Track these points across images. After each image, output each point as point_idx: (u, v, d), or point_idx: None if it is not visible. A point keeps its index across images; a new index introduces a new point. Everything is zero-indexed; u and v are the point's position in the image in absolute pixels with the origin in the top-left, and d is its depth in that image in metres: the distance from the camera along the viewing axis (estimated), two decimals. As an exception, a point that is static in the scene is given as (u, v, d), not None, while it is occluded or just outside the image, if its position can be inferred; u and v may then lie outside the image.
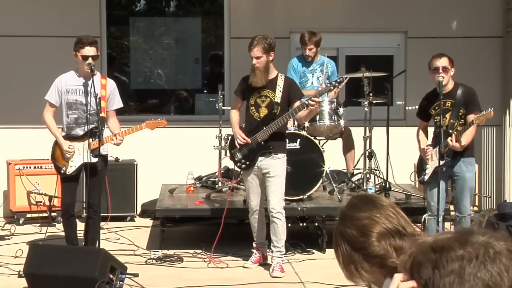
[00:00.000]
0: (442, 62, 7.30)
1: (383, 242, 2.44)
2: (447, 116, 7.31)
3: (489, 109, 7.12)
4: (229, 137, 8.04)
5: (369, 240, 2.44)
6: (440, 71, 7.26)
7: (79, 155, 7.50)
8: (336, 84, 7.67)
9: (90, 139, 7.40)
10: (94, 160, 7.33)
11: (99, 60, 9.89)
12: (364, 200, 2.55)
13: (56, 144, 7.62)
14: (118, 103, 7.67)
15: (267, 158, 7.51)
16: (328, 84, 7.81)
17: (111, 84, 7.67)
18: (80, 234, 7.82)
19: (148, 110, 11.07)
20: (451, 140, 7.19)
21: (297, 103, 7.49)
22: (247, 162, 7.59)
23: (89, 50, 7.39)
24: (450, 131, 7.26)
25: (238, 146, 7.58)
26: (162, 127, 7.81)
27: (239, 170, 8.05)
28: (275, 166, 7.50)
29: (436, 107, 7.37)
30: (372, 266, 2.45)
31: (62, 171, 7.55)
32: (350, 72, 9.55)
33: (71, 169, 7.53)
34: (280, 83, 7.53)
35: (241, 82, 7.74)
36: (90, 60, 7.37)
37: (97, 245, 7.34)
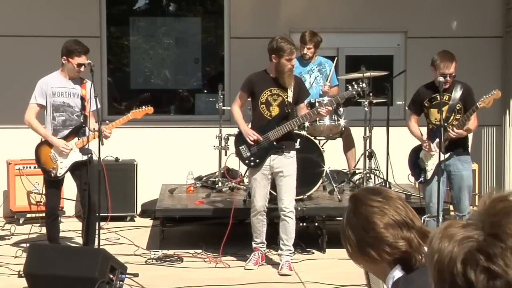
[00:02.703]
0: (452, 69, 7.27)
1: (392, 231, 2.43)
2: (443, 109, 7.32)
3: (494, 91, 7.15)
4: (231, 135, 7.97)
5: (377, 229, 2.43)
6: (448, 78, 7.25)
7: (66, 155, 7.55)
8: (359, 89, 7.69)
9: (76, 138, 7.55)
10: (84, 158, 7.45)
11: (99, 60, 9.96)
12: (372, 192, 2.54)
13: (40, 148, 7.65)
14: (94, 104, 7.45)
15: (280, 157, 7.47)
16: (351, 89, 7.79)
17: (89, 84, 7.64)
18: (76, 235, 7.83)
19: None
20: (453, 130, 7.17)
21: (303, 104, 7.55)
22: (257, 160, 7.51)
23: (84, 59, 7.51)
24: (445, 124, 7.28)
25: (252, 143, 7.47)
26: (148, 115, 7.96)
27: (246, 167, 7.93)
28: (288, 165, 7.48)
29: (432, 100, 7.39)
30: (380, 255, 2.43)
31: (52, 174, 7.57)
32: (350, 72, 9.56)
33: (61, 170, 7.57)
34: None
35: (250, 78, 7.61)
36: (82, 68, 7.53)
37: (96, 243, 7.36)
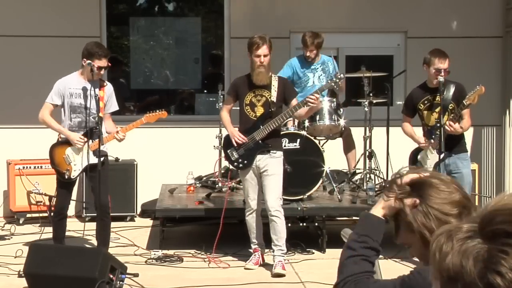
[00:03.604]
0: (446, 64, 7.31)
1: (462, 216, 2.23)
2: (436, 110, 7.35)
3: (477, 87, 7.18)
4: (222, 137, 8.05)
5: (452, 213, 2.24)
6: (443, 73, 7.28)
7: (80, 157, 7.53)
8: (337, 81, 7.66)
9: (90, 141, 7.45)
10: (96, 160, 7.39)
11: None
12: (433, 176, 2.34)
13: (54, 149, 7.64)
14: (114, 106, 7.80)
15: (265, 156, 7.51)
16: (329, 81, 7.80)
17: (109, 87, 7.73)
18: (77, 235, 7.82)
19: (148, 110, 11.04)
20: (450, 125, 7.19)
21: (294, 101, 7.55)
22: (245, 161, 7.56)
23: (104, 62, 7.50)
24: (438, 124, 7.30)
25: (236, 145, 7.56)
26: (162, 121, 7.87)
27: (236, 169, 8.00)
28: (273, 164, 7.51)
29: (426, 102, 7.43)
30: None
31: (66, 176, 7.56)
32: (350, 72, 9.55)
33: (75, 172, 7.56)
34: (275, 83, 7.57)
35: (234, 82, 7.80)
36: (102, 71, 7.53)
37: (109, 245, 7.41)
